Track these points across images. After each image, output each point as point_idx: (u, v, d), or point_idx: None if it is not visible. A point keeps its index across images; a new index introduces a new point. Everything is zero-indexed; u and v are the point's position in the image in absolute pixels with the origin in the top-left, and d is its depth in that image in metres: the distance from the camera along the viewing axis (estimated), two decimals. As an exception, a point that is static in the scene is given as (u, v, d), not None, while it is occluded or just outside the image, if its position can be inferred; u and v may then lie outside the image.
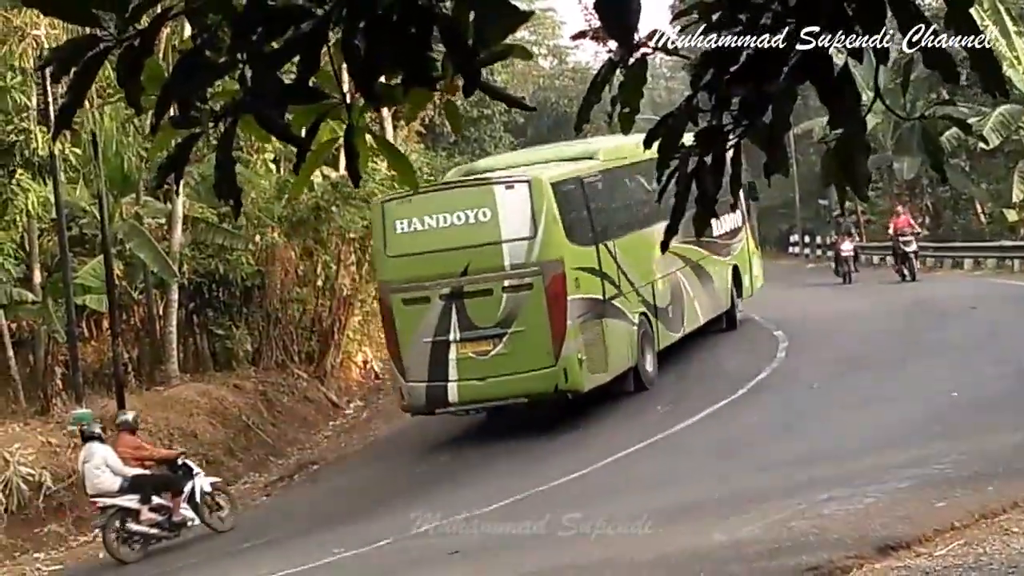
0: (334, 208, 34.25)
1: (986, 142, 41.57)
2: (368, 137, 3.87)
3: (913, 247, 41.85)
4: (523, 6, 3.98)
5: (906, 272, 41.83)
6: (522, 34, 67.95)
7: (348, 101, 3.69)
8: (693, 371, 28.26)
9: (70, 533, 24.11)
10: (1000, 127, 40.34)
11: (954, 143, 42.62)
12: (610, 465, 20.31)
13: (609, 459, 20.60)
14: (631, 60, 3.75)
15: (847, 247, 45.38)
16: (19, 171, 28.47)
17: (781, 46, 3.46)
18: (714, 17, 3.62)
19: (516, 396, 23.91)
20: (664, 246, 4.50)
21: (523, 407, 24.23)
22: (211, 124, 3.57)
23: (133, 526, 21.13)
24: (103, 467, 20.93)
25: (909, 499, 13.81)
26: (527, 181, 24.27)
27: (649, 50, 3.73)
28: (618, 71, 3.80)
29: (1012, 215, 43.76)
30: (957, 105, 34.22)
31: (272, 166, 34.82)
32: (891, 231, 43.46)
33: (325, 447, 28.90)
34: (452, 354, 23.87)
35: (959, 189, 49.22)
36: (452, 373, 23.80)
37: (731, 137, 3.76)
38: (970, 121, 39.79)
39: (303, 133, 3.67)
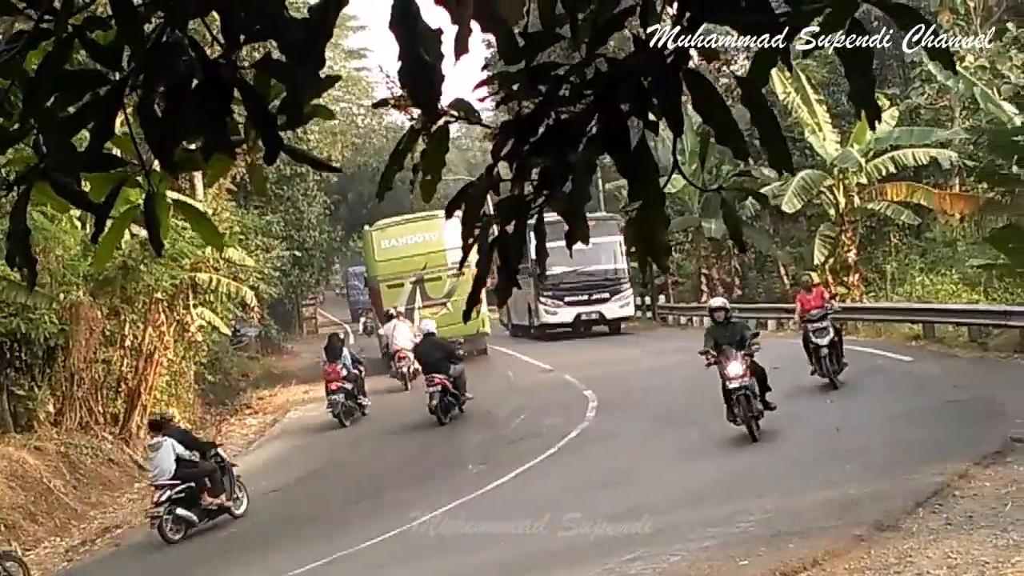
0: (142, 266, 33.71)
1: (779, 210, 42.46)
2: (170, 202, 3.79)
3: (828, 336, 26.65)
4: (337, 67, 4.00)
5: (829, 373, 26.63)
6: (337, 92, 68.03)
7: (147, 168, 3.62)
8: (506, 430, 28.40)
9: None
10: (801, 192, 41.22)
11: (757, 207, 43.58)
12: (422, 525, 20.24)
13: (422, 519, 20.55)
14: (433, 128, 3.76)
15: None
16: None
17: (580, 117, 3.51)
18: (514, 87, 3.63)
19: (455, 336, 37.08)
20: (466, 316, 4.65)
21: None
22: (3, 192, 3.47)
23: None
24: None
25: (714, 557, 14.01)
26: (458, 215, 47.73)
27: (452, 119, 3.74)
28: (421, 139, 3.80)
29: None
30: (760, 169, 34.90)
31: (78, 223, 34.23)
32: (797, 315, 28.31)
33: (129, 510, 28.22)
34: (416, 316, 41.64)
35: (763, 251, 50.39)
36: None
37: (532, 207, 3.77)
38: (773, 185, 40.81)
39: (102, 200, 3.59)
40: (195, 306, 37.24)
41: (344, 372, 34.20)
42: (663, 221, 3.76)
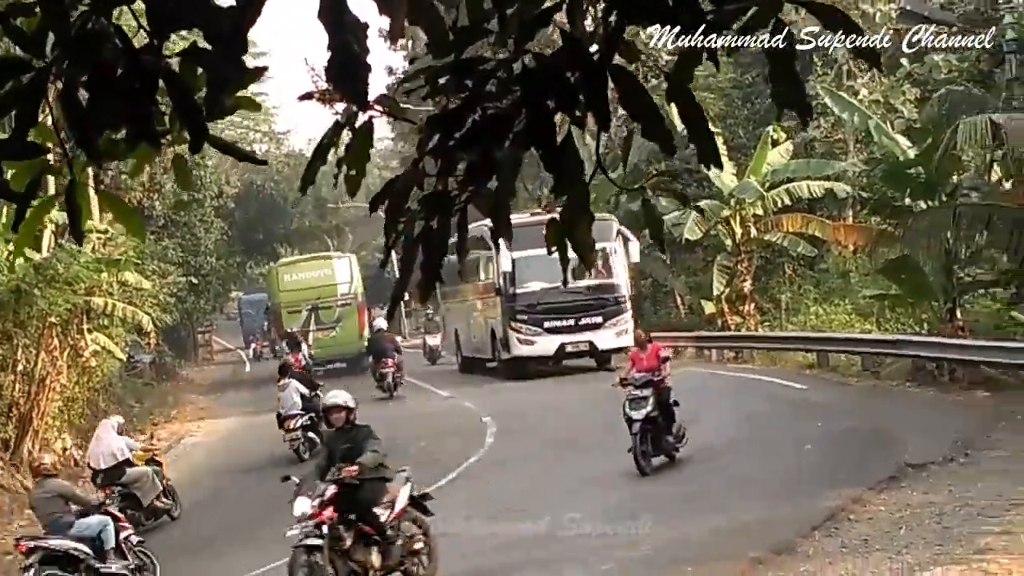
0: (36, 290, 33.25)
1: (675, 240, 42.76)
2: (95, 193, 3.74)
3: (645, 410, 21.57)
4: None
5: (637, 455, 21.71)
6: (236, 118, 67.60)
7: (69, 156, 3.57)
8: (400, 457, 28.27)
9: None
10: (700, 222, 41.57)
11: (648, 241, 43.86)
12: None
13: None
14: (358, 123, 3.74)
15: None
16: None
17: (506, 113, 3.51)
18: (441, 81, 3.63)
19: (342, 356, 49.40)
20: (390, 313, 4.58)
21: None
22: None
23: None
24: None
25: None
26: (348, 256, 59.44)
27: (376, 113, 3.72)
28: (344, 133, 3.78)
29: (710, 306, 45.03)
30: (660, 200, 35.21)
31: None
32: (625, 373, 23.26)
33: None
34: (310, 337, 49.01)
35: (660, 280, 50.63)
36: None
37: (457, 202, 3.77)
38: (674, 214, 41.17)
39: (23, 189, 3.53)
40: (90, 331, 36.77)
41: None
42: (587, 218, 3.77)
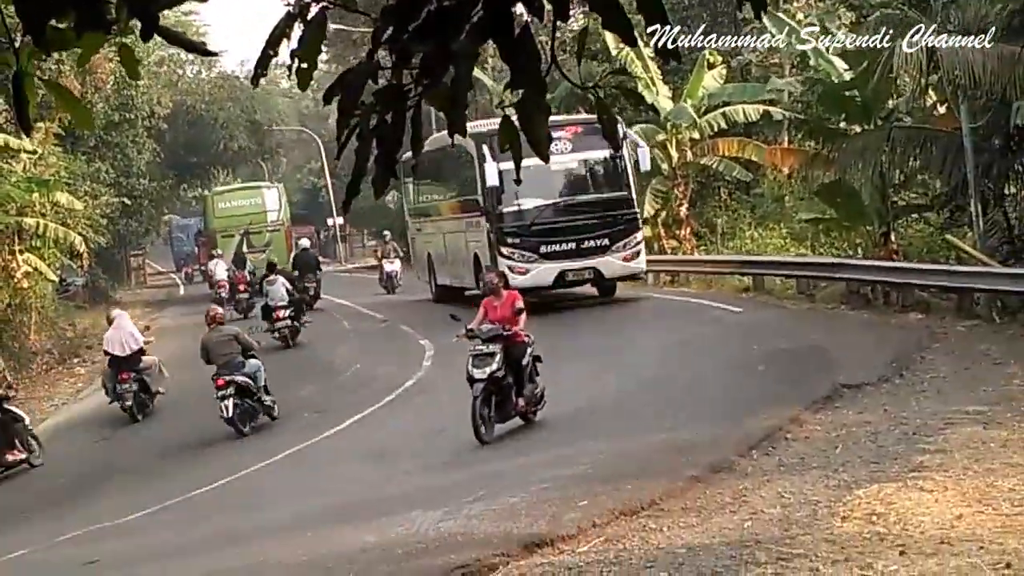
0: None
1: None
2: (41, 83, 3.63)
3: (490, 368, 27.42)
4: (168, 13, 3.87)
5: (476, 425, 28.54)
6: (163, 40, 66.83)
7: (16, 45, 3.46)
8: (342, 378, 28.29)
9: None
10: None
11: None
12: (259, 472, 20.10)
13: (259, 465, 20.39)
14: (310, 14, 3.67)
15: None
16: None
17: (463, 4, 3.45)
18: (397, -28, 3.57)
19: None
20: (345, 207, 4.42)
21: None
22: None
23: None
24: None
25: (553, 498, 14.02)
26: (276, 186, 63.50)
27: (329, 4, 3.65)
28: (296, 25, 3.70)
29: (646, 230, 45.09)
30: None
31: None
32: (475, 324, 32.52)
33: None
34: (247, 259, 50.09)
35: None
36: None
37: (411, 96, 3.70)
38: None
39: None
40: (21, 252, 36.47)
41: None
42: (544, 111, 3.71)
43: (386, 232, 53.10)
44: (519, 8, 3.57)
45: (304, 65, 3.74)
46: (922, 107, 33.00)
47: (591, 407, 20.21)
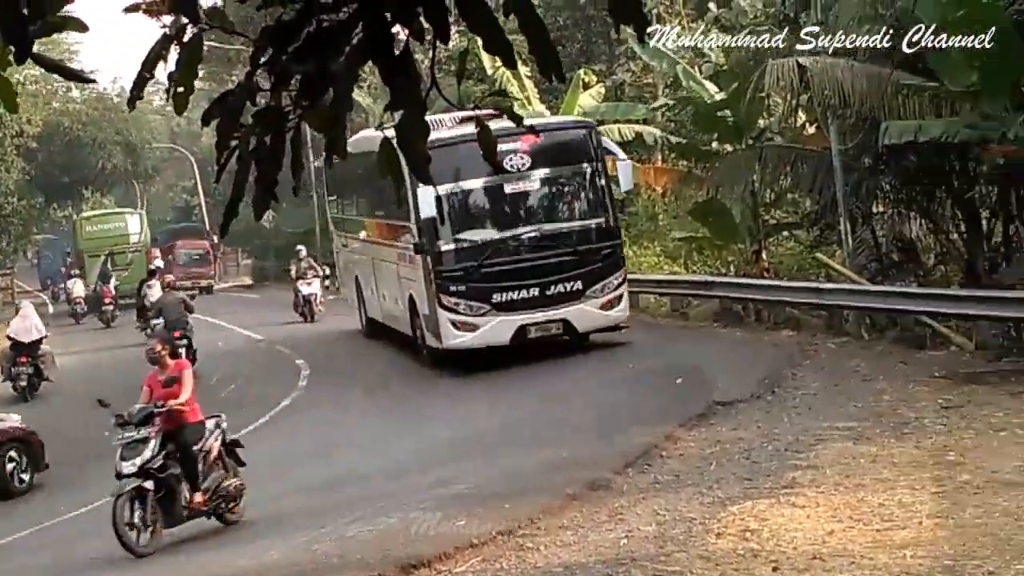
0: None
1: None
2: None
3: (142, 457, 28.71)
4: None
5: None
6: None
7: None
8: (218, 397, 28.00)
9: None
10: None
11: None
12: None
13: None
14: (187, 36, 3.62)
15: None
16: None
17: (343, 25, 3.43)
18: (276, -8, 3.54)
19: (131, 292, 42.89)
20: (223, 229, 4.34)
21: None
22: None
23: None
24: None
25: (432, 518, 13.95)
26: (139, 212, 68.49)
27: (206, 27, 3.61)
28: (173, 47, 3.65)
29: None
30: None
31: None
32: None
33: None
34: (113, 278, 53.57)
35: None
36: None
37: (291, 117, 3.67)
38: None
39: None
40: None
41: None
42: (424, 131, 3.70)
43: (300, 247, 45.59)
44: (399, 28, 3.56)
45: (180, 89, 3.69)
46: (792, 126, 33.43)
47: (468, 428, 20.21)
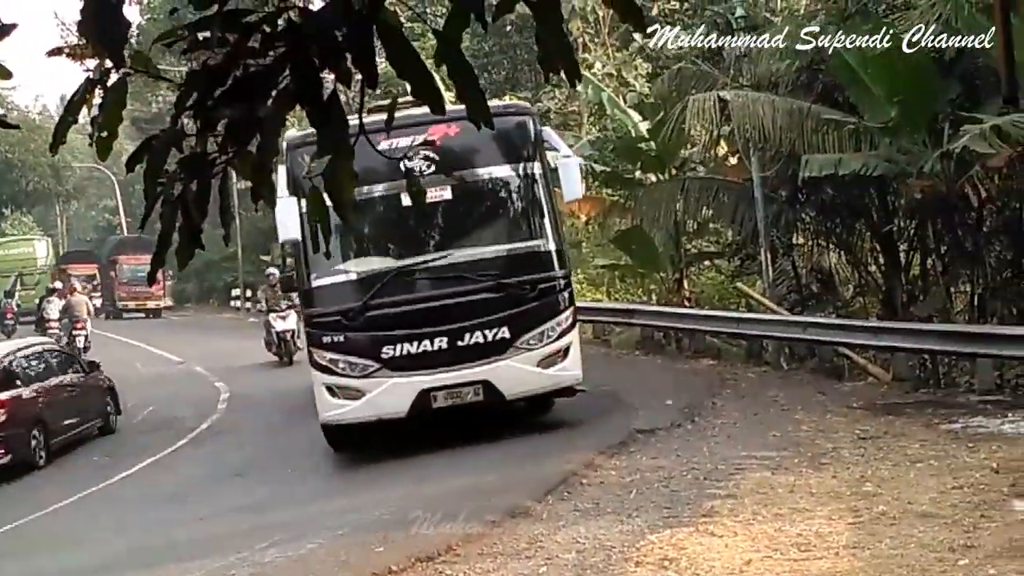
0: None
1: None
2: None
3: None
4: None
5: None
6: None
7: None
8: (134, 420, 27.82)
9: None
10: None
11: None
12: (40, 519, 19.54)
13: (39, 513, 19.82)
14: (111, 80, 3.58)
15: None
16: None
17: (270, 69, 3.41)
18: (202, 36, 3.50)
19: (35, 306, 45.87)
20: (150, 277, 4.26)
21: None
22: None
23: None
24: None
25: (350, 545, 13.94)
26: (45, 239, 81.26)
27: (131, 71, 3.56)
28: (97, 91, 3.61)
29: None
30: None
31: None
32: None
33: None
34: (16, 295, 61.17)
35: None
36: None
37: (217, 163, 3.64)
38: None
39: None
40: None
41: None
42: (351, 175, 3.67)
43: (271, 271, 38.56)
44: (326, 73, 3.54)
45: (105, 134, 3.65)
46: (714, 157, 33.64)
47: (388, 452, 20.09)
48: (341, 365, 18.30)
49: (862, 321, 24.74)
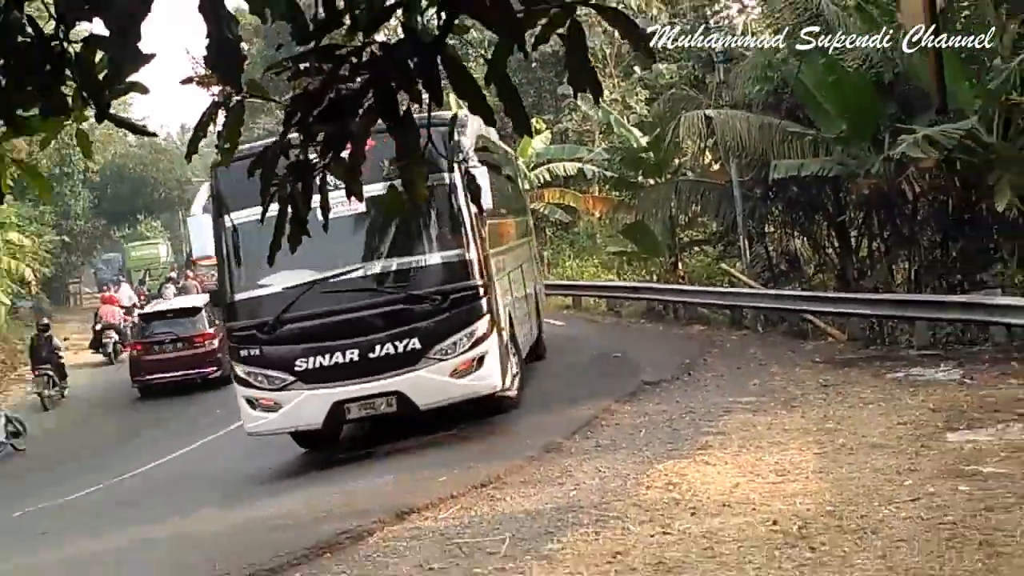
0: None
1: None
2: (10, 161, 3.54)
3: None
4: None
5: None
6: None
7: (-8, 131, 3.32)
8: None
9: None
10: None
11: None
12: (180, 458, 19.77)
13: (181, 451, 20.05)
14: (232, 102, 3.60)
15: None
16: None
17: (357, 92, 3.42)
18: (303, 66, 3.51)
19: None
20: (270, 260, 4.20)
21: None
22: None
23: None
24: None
25: (419, 477, 13.94)
26: (167, 242, 77.14)
27: (247, 95, 3.58)
28: (221, 111, 3.63)
29: None
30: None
31: None
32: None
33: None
34: (146, 284, 53.45)
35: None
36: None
37: (316, 169, 3.66)
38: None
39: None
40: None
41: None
42: (424, 175, 3.69)
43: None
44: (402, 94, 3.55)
45: (227, 145, 3.67)
46: (701, 164, 33.51)
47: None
48: (258, 378, 15.51)
49: (822, 293, 24.60)
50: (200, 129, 3.68)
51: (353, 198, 3.75)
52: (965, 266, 22.12)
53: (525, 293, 20.93)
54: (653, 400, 17.39)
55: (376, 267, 15.41)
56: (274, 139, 3.81)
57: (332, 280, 15.21)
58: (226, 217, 14.94)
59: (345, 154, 3.64)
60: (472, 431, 16.61)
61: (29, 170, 3.59)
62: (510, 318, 17.57)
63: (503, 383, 15.87)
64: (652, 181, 33.23)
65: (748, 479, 11.58)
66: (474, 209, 15.15)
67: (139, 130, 3.90)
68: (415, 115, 3.57)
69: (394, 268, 15.50)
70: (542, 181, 41.54)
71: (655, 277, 33.94)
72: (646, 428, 15.15)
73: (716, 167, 32.10)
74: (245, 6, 3.32)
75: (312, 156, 3.66)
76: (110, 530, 15.10)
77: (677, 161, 33.67)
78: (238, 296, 15.66)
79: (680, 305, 28.96)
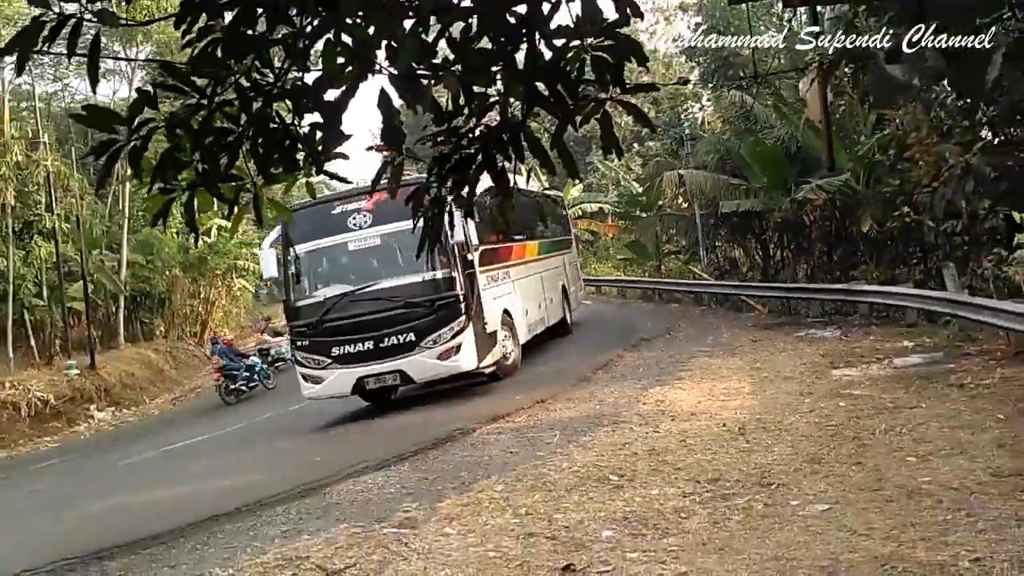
0: (209, 258, 32.53)
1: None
2: (267, 200, 3.59)
3: None
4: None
5: None
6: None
7: (254, 180, 3.42)
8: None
9: (64, 427, 22.04)
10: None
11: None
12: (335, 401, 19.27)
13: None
14: (396, 161, 3.63)
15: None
16: (36, 237, 26.25)
17: (472, 154, 3.43)
18: (440, 139, 3.53)
19: None
20: (418, 254, 4.29)
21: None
22: (182, 191, 3.24)
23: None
24: None
25: (497, 400, 13.84)
26: None
27: (405, 157, 3.60)
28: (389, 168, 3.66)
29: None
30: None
31: (175, 236, 32.65)
32: None
33: (202, 382, 27.00)
34: None
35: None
36: None
37: (447, 202, 3.68)
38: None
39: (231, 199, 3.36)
40: (236, 277, 36.05)
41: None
42: (512, 207, 3.69)
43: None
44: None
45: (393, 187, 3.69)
46: (676, 204, 33.16)
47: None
48: (308, 360, 14.54)
49: (752, 283, 24.29)
50: (376, 180, 3.72)
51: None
52: (842, 266, 21.72)
53: (543, 291, 19.10)
54: (647, 349, 17.26)
55: (386, 283, 14.17)
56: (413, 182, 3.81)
57: (356, 292, 14.19)
58: (291, 249, 14.38)
59: (464, 192, 3.65)
60: (533, 373, 16.43)
61: (275, 204, 3.65)
62: (507, 313, 16.00)
63: (479, 364, 14.59)
64: (645, 215, 32.89)
65: (707, 398, 11.49)
66: (459, 239, 13.94)
67: (342, 180, 3.94)
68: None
69: (398, 284, 14.15)
70: (577, 215, 41.26)
71: (646, 274, 33.66)
72: (643, 366, 15.05)
73: (685, 206, 31.75)
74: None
75: (444, 192, 3.66)
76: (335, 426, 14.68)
77: (661, 202, 33.29)
78: (296, 303, 14.63)
79: (662, 291, 28.70)
